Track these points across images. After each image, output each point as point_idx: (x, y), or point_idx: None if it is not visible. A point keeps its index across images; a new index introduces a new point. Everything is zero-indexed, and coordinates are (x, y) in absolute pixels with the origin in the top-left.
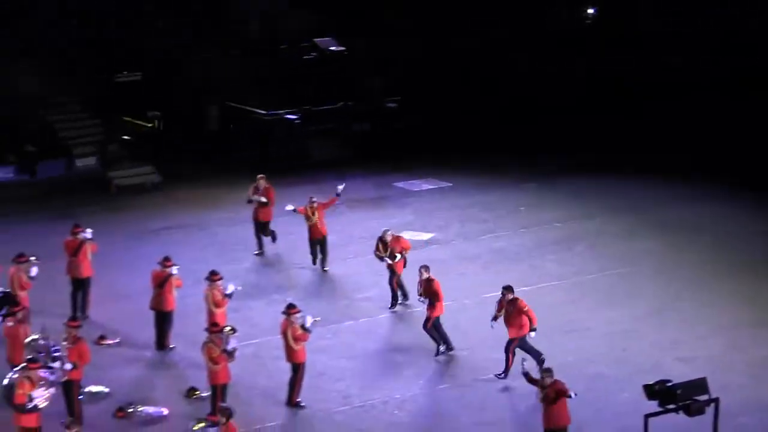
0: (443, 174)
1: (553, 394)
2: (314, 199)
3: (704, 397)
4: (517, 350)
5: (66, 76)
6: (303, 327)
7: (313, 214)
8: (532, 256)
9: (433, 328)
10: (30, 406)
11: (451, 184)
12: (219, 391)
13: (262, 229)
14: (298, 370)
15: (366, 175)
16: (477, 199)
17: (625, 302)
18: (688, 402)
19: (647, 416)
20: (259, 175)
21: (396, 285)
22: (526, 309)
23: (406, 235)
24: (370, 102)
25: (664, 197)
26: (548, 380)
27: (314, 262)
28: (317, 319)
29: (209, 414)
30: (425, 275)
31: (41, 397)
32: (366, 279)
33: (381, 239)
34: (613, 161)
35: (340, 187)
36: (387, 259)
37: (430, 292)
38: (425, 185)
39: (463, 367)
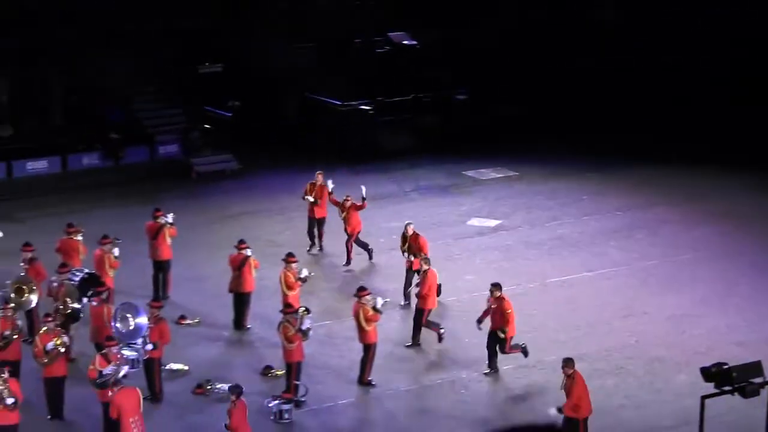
0: (511, 163)
1: (571, 384)
2: (348, 197)
3: (759, 380)
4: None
5: (151, 66)
6: (374, 308)
7: (343, 210)
8: (595, 242)
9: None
10: (99, 381)
11: (518, 173)
12: (294, 369)
13: (317, 225)
14: (369, 350)
15: (436, 164)
16: (542, 187)
17: (685, 287)
18: (743, 384)
19: (704, 398)
20: (318, 172)
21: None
22: (508, 311)
23: (474, 222)
24: (441, 94)
25: (724, 187)
26: (569, 370)
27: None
28: (387, 300)
29: (284, 391)
30: (425, 267)
31: (111, 373)
32: (435, 263)
33: (403, 233)
34: (673, 150)
35: (363, 189)
36: (405, 255)
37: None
38: (493, 174)
39: (529, 347)
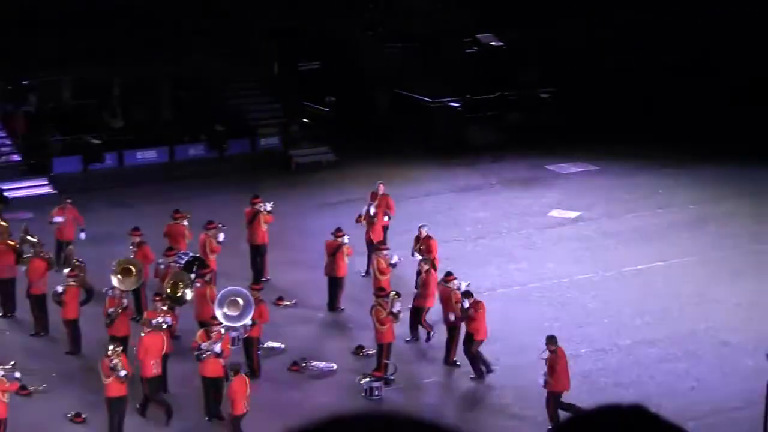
0: (591, 158)
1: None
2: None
3: None
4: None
5: (254, 64)
6: (459, 290)
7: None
8: (669, 234)
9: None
10: (198, 354)
11: (598, 168)
12: (384, 349)
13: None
14: (454, 332)
15: (520, 158)
16: (621, 181)
17: (753, 277)
18: None
19: None
20: (379, 182)
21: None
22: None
23: (555, 213)
24: (525, 92)
25: None
26: (552, 347)
27: None
28: (469, 284)
29: (374, 369)
30: (425, 267)
31: (209, 348)
32: (518, 251)
33: (417, 235)
34: (746, 148)
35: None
36: (417, 255)
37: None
38: (574, 168)
39: (606, 331)
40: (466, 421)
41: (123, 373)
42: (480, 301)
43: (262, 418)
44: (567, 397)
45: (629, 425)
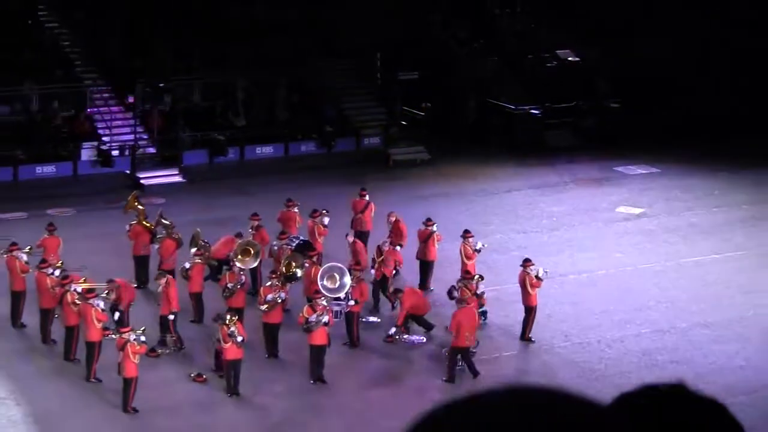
0: (654, 161)
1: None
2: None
3: None
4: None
5: (360, 72)
6: (537, 276)
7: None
8: (723, 230)
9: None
10: (305, 326)
11: (660, 170)
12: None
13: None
14: (530, 311)
15: (591, 160)
16: (680, 182)
17: None
18: None
19: None
20: (390, 212)
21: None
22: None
23: (621, 209)
24: (597, 102)
25: None
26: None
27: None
28: (547, 271)
29: None
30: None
31: (316, 321)
32: (588, 242)
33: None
34: None
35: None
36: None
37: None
38: (639, 170)
39: (665, 315)
40: None
41: (240, 338)
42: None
43: (359, 383)
44: (616, 369)
45: (670, 403)
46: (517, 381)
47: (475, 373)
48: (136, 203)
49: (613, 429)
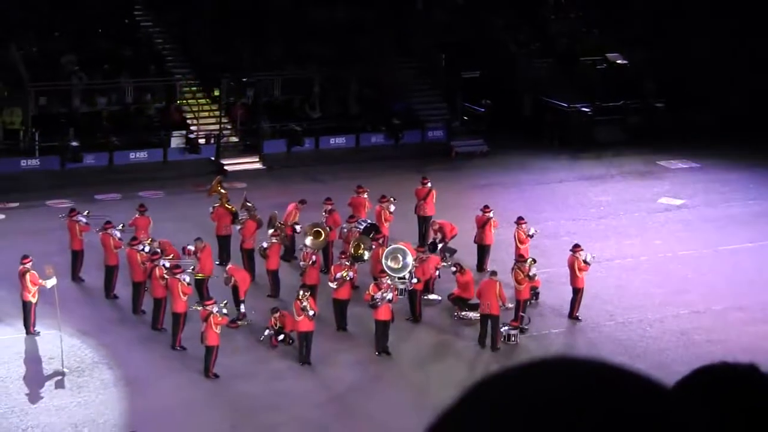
0: (694, 157)
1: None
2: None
3: None
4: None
5: (426, 70)
6: (585, 261)
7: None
8: (758, 221)
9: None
10: (371, 303)
11: (699, 165)
12: (521, 304)
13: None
14: (578, 292)
15: (637, 154)
16: (718, 176)
17: None
18: None
19: None
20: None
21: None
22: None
23: (663, 200)
24: (643, 101)
25: None
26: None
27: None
28: (594, 255)
29: (512, 320)
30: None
31: (381, 297)
32: (632, 230)
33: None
34: None
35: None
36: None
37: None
38: (680, 164)
39: (701, 298)
40: None
41: (311, 312)
42: (464, 267)
43: (420, 356)
44: (655, 347)
45: (746, 382)
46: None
47: (493, 345)
48: (219, 187)
49: (682, 409)
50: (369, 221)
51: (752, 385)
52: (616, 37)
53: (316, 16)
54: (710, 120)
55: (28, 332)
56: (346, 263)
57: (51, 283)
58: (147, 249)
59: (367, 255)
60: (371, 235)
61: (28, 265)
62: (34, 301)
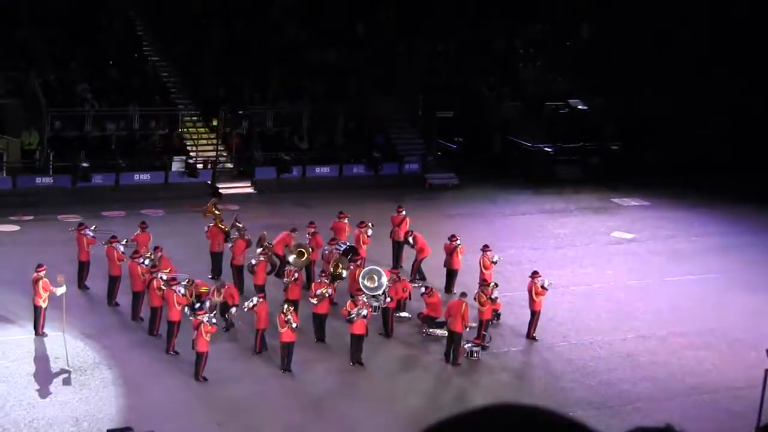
0: (645, 196)
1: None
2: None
3: None
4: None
5: (405, 109)
6: (542, 286)
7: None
8: (700, 256)
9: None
10: (348, 318)
11: (649, 203)
12: (483, 324)
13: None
14: (535, 315)
15: (593, 192)
16: (666, 214)
17: (763, 290)
18: None
19: None
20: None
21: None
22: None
23: (615, 234)
24: (601, 143)
25: None
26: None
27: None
28: (551, 282)
29: (475, 338)
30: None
31: (357, 313)
32: (586, 260)
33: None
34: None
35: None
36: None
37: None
38: (632, 202)
39: (647, 323)
40: (540, 379)
41: (294, 324)
42: (433, 290)
43: (391, 367)
44: (617, 373)
45: None
46: (521, 375)
47: (454, 360)
48: (213, 209)
49: None
50: (348, 244)
51: None
52: (579, 84)
53: (310, 57)
54: (660, 163)
55: (36, 333)
56: (326, 281)
57: (61, 291)
58: (147, 262)
59: (345, 274)
60: (350, 257)
61: (41, 273)
62: (44, 306)
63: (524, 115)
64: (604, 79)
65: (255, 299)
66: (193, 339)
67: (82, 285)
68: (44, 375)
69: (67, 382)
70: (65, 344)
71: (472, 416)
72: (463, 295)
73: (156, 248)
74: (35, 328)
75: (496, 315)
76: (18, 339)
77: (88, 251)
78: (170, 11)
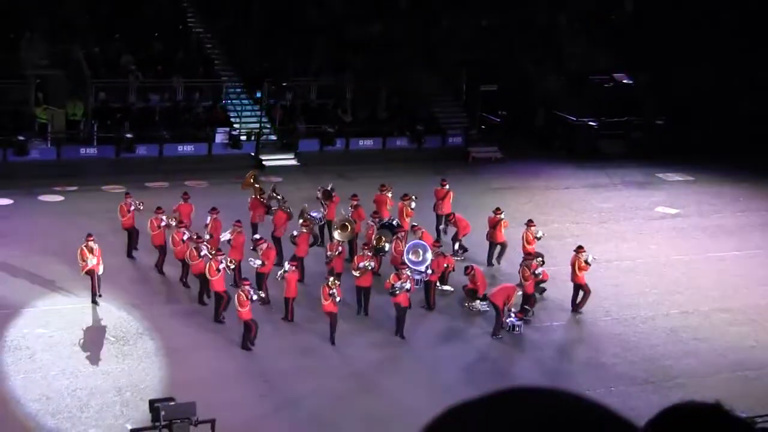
0: (689, 170)
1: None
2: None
3: None
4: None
5: (449, 82)
6: (586, 261)
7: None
8: (745, 231)
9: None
10: (391, 291)
11: (694, 178)
12: (529, 299)
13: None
14: (579, 289)
15: (637, 166)
16: (711, 189)
17: None
18: None
19: None
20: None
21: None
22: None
23: (660, 209)
24: (646, 117)
25: None
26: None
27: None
28: (595, 257)
29: (517, 312)
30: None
31: (401, 286)
32: (630, 235)
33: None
34: None
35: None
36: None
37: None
38: (676, 177)
39: (690, 299)
40: (581, 354)
41: (338, 298)
42: (474, 267)
43: (432, 342)
44: (659, 349)
45: (711, 421)
46: (563, 350)
47: (493, 333)
48: (252, 181)
49: None
50: (386, 220)
51: (717, 424)
52: (623, 58)
53: (353, 31)
54: (705, 138)
55: (93, 301)
56: (369, 254)
57: (92, 262)
58: (187, 235)
59: (387, 247)
60: (393, 230)
61: (91, 243)
62: (98, 273)
63: (568, 90)
64: (648, 53)
65: (287, 265)
66: (237, 309)
67: (129, 254)
68: (88, 345)
69: (110, 352)
70: (109, 314)
71: (484, 403)
72: (520, 286)
73: (213, 209)
74: (92, 294)
75: (541, 289)
76: (60, 309)
77: (131, 219)
78: None
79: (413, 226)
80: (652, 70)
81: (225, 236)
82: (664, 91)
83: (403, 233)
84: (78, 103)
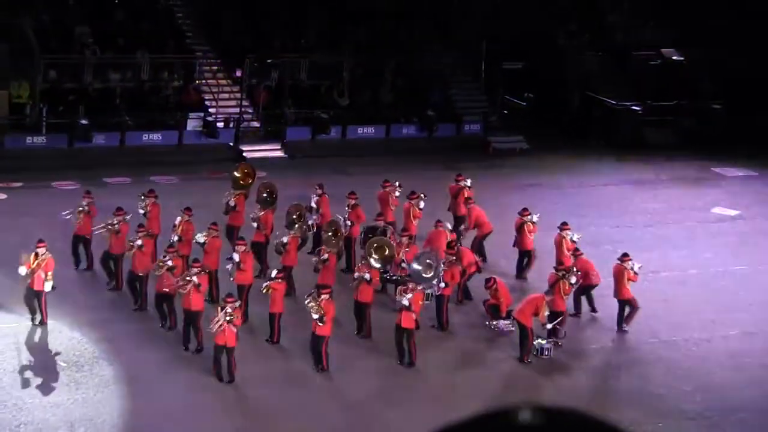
0: (752, 165)
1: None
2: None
3: None
4: None
5: (467, 60)
6: (632, 270)
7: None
8: None
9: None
10: (399, 304)
11: (757, 174)
12: (559, 315)
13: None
14: (625, 304)
15: (690, 159)
16: None
17: None
18: None
19: None
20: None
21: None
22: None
23: (717, 210)
24: (699, 102)
25: None
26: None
27: None
28: (640, 266)
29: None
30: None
31: (405, 298)
32: (680, 240)
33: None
34: None
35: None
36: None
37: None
38: (737, 172)
39: (753, 318)
40: (619, 386)
41: (316, 316)
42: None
43: (447, 368)
44: (716, 377)
45: None
46: (601, 377)
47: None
48: (251, 181)
49: None
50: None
51: None
52: (673, 31)
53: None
54: None
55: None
56: (367, 264)
57: (23, 271)
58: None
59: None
60: (382, 237)
61: (40, 251)
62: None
63: (607, 68)
64: (703, 26)
65: (273, 273)
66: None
67: (89, 265)
68: (34, 371)
69: (61, 380)
70: (60, 335)
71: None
72: (548, 293)
73: (186, 209)
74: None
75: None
76: (2, 328)
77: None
78: None
79: (437, 222)
80: (707, 45)
81: (199, 238)
82: (720, 71)
83: (408, 236)
84: (23, 83)
